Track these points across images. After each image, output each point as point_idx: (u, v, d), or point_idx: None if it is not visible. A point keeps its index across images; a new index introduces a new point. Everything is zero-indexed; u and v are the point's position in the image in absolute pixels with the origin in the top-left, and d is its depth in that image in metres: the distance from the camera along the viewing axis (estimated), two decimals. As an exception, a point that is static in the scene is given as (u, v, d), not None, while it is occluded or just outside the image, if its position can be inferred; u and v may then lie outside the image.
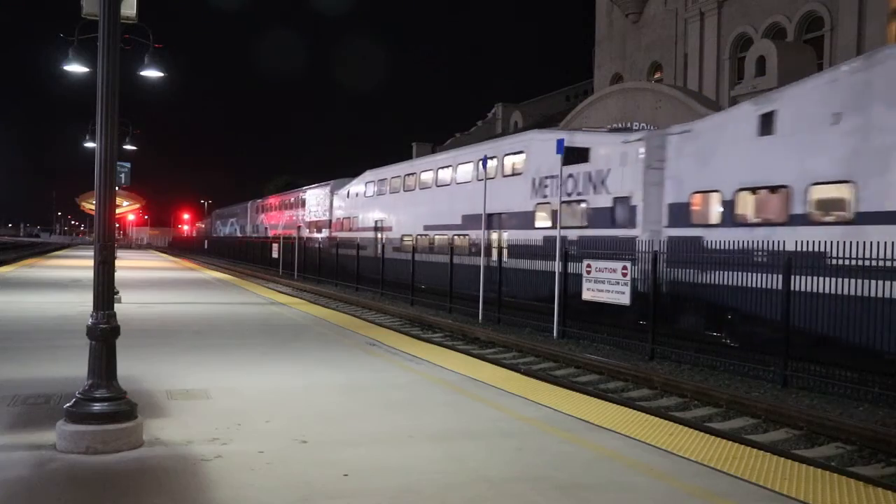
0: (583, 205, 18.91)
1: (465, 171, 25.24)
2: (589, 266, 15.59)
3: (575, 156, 18.79)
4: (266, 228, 58.01)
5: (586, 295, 15.60)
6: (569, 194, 19.06)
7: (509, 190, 22.11)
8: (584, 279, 15.68)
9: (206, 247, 72.54)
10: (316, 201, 44.86)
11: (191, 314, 15.03)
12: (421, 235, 27.06)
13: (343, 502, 4.56)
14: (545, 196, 20.57)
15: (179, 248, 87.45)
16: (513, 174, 22.34)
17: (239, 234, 68.96)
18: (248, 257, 50.91)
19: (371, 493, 4.70)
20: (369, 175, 34.97)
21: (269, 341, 11.44)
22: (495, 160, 22.96)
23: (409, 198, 29.73)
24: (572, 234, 18.55)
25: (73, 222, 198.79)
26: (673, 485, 5.07)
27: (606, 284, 14.98)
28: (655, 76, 38.16)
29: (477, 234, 22.28)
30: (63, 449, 5.31)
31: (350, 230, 36.38)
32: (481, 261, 20.45)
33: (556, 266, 16.87)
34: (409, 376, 8.90)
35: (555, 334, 16.62)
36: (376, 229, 32.56)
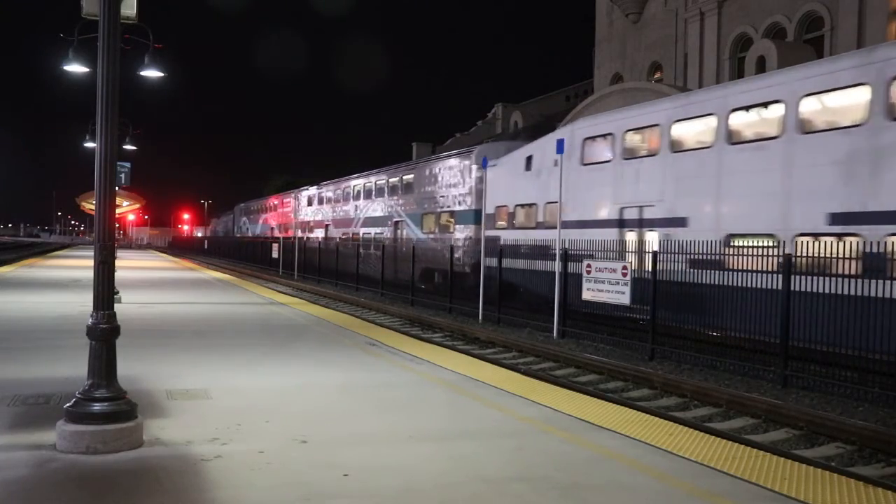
0: None
1: None
2: (589, 266, 15.58)
3: None
4: (328, 226, 39.88)
5: (586, 295, 15.59)
6: None
7: None
8: (583, 279, 15.65)
9: (206, 247, 72.55)
10: (434, 183, 28.10)
11: (191, 314, 15.04)
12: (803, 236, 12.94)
13: (343, 502, 4.57)
14: None
15: (179, 248, 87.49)
16: None
17: (278, 235, 49.09)
18: (247, 257, 50.95)
19: (371, 493, 4.70)
20: (588, 126, 19.48)
21: (269, 341, 11.45)
22: None
23: (747, 159, 14.34)
24: None
25: (73, 222, 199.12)
26: (673, 485, 5.07)
27: (606, 284, 14.96)
28: (655, 76, 38.12)
29: None
30: (63, 449, 5.31)
31: (536, 226, 21.37)
32: None
33: (556, 266, 16.88)
34: (409, 376, 8.90)
35: (555, 334, 16.63)
36: (621, 225, 17.99)
